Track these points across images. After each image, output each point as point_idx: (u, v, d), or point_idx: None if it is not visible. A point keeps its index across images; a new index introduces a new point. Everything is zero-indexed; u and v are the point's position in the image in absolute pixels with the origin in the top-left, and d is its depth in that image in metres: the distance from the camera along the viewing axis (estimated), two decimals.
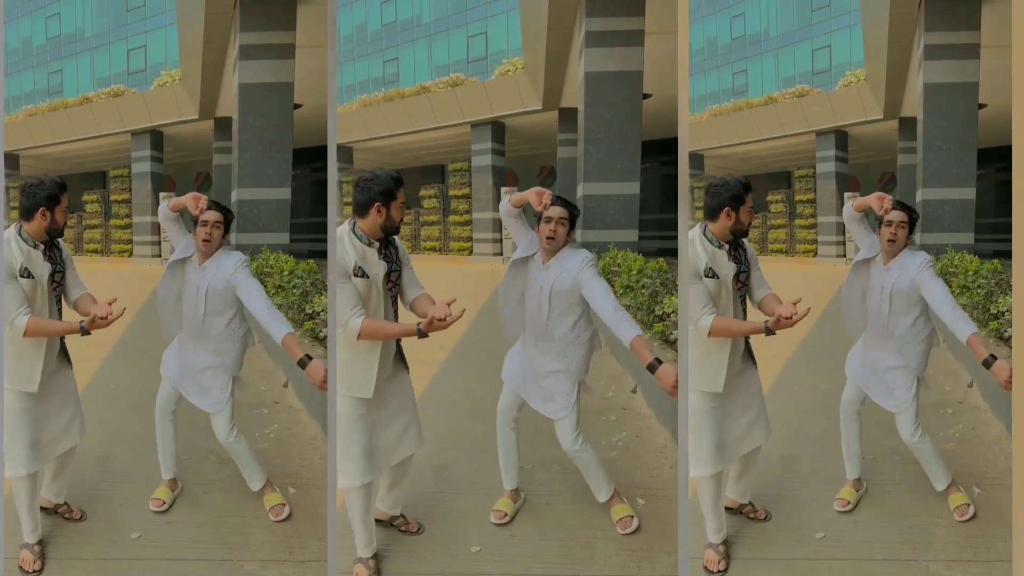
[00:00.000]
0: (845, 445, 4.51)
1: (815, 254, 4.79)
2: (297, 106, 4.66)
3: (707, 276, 4.24)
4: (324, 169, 4.58)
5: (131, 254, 4.82)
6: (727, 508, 4.45)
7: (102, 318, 4.18)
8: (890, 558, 4.38)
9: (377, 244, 4.18)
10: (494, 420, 4.45)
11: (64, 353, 4.40)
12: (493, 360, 4.47)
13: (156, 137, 4.81)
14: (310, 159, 4.64)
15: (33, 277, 4.26)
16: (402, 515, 4.48)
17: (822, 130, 4.77)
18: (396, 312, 4.26)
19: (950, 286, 4.46)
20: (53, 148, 4.85)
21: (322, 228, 4.56)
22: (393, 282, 4.22)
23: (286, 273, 4.61)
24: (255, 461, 4.49)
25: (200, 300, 4.36)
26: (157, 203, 4.75)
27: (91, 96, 4.82)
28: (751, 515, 4.50)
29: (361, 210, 4.18)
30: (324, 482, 4.50)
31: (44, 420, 4.36)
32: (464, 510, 4.50)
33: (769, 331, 4.17)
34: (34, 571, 4.42)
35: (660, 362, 4.10)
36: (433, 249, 4.81)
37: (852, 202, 4.41)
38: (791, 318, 4.10)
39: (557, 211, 4.27)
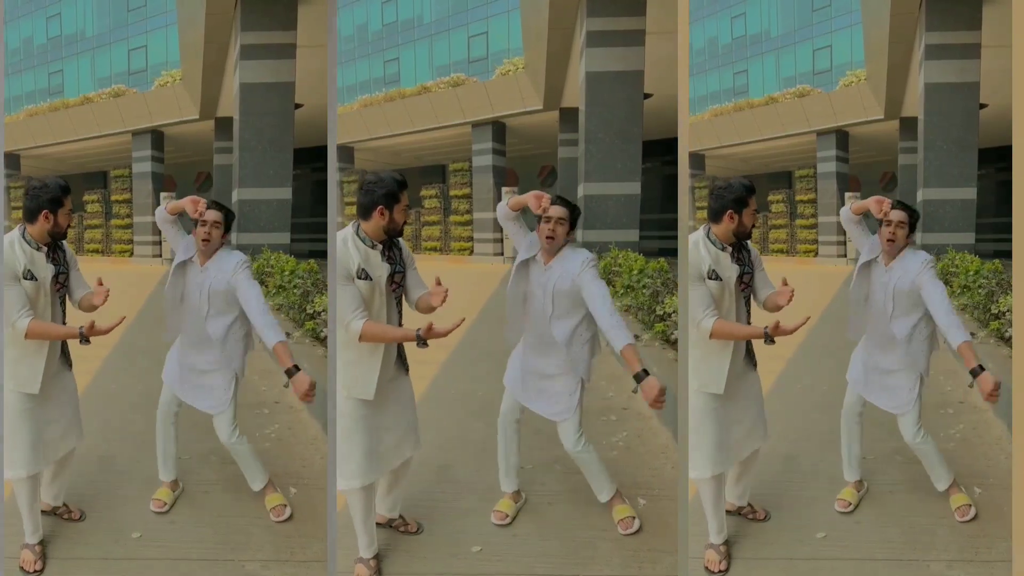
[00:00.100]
0: (845, 448, 4.50)
1: (816, 254, 4.79)
2: (298, 106, 4.65)
3: (710, 278, 4.23)
4: (325, 169, 4.57)
5: (132, 254, 4.81)
6: (726, 510, 4.45)
7: (101, 304, 4.29)
8: (891, 558, 4.38)
9: (380, 246, 4.18)
10: (495, 420, 4.45)
11: (65, 355, 4.39)
12: (494, 360, 4.47)
13: (157, 137, 4.80)
14: (311, 159, 4.63)
15: (36, 279, 4.26)
16: (401, 516, 4.48)
17: (823, 130, 4.76)
18: (400, 314, 4.26)
19: (951, 286, 4.47)
20: (54, 148, 4.84)
21: (323, 228, 4.56)
22: (397, 284, 4.22)
23: (287, 273, 4.60)
24: (257, 461, 4.49)
25: (203, 301, 4.36)
26: (158, 203, 4.74)
27: (92, 96, 4.81)
28: (750, 516, 4.50)
29: (364, 212, 4.18)
30: (325, 483, 4.50)
31: (45, 421, 4.36)
32: (465, 510, 4.50)
33: (769, 339, 4.17)
34: (35, 571, 4.42)
35: (647, 374, 4.08)
36: (434, 249, 4.80)
37: (850, 205, 4.41)
38: (790, 300, 4.18)
39: (556, 210, 4.26)
